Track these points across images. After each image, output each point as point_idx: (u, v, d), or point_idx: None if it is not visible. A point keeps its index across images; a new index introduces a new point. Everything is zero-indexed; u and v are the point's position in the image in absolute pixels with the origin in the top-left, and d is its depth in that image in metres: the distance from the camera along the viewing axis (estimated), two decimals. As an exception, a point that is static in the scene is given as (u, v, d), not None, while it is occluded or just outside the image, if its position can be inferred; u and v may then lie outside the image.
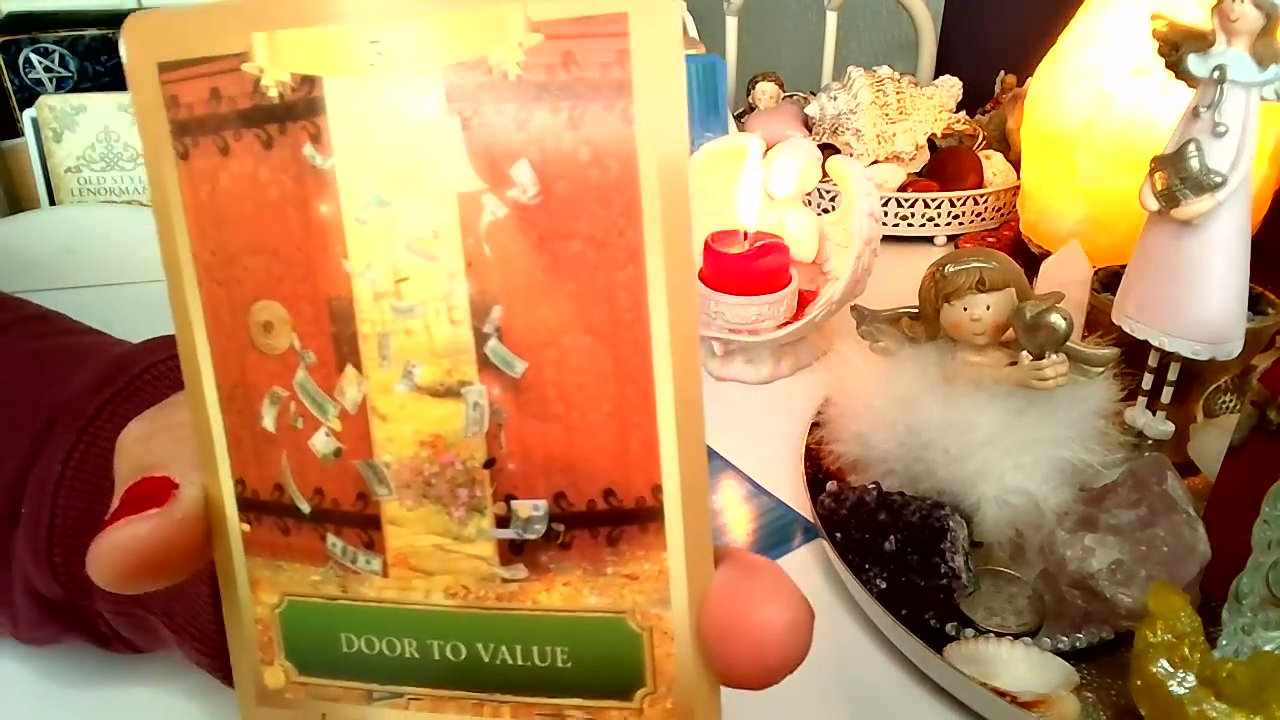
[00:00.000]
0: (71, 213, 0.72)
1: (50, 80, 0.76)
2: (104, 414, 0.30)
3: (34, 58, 0.75)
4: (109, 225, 0.71)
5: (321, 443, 0.18)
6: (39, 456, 0.30)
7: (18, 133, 0.74)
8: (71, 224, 0.71)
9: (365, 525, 0.18)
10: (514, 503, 0.17)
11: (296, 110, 0.16)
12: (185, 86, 0.17)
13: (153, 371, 0.31)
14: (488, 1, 0.15)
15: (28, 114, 0.72)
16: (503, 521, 0.17)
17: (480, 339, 0.16)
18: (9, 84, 0.76)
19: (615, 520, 0.17)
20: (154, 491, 0.19)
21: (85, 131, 0.72)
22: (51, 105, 0.71)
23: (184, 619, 0.29)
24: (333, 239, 0.17)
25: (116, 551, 0.18)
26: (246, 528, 0.19)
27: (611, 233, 0.15)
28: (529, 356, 0.16)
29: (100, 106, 0.72)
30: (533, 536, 0.17)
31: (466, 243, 0.16)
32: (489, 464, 0.17)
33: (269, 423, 0.18)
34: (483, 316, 0.16)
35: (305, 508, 0.18)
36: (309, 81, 0.16)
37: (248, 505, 0.19)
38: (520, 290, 0.16)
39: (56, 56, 0.76)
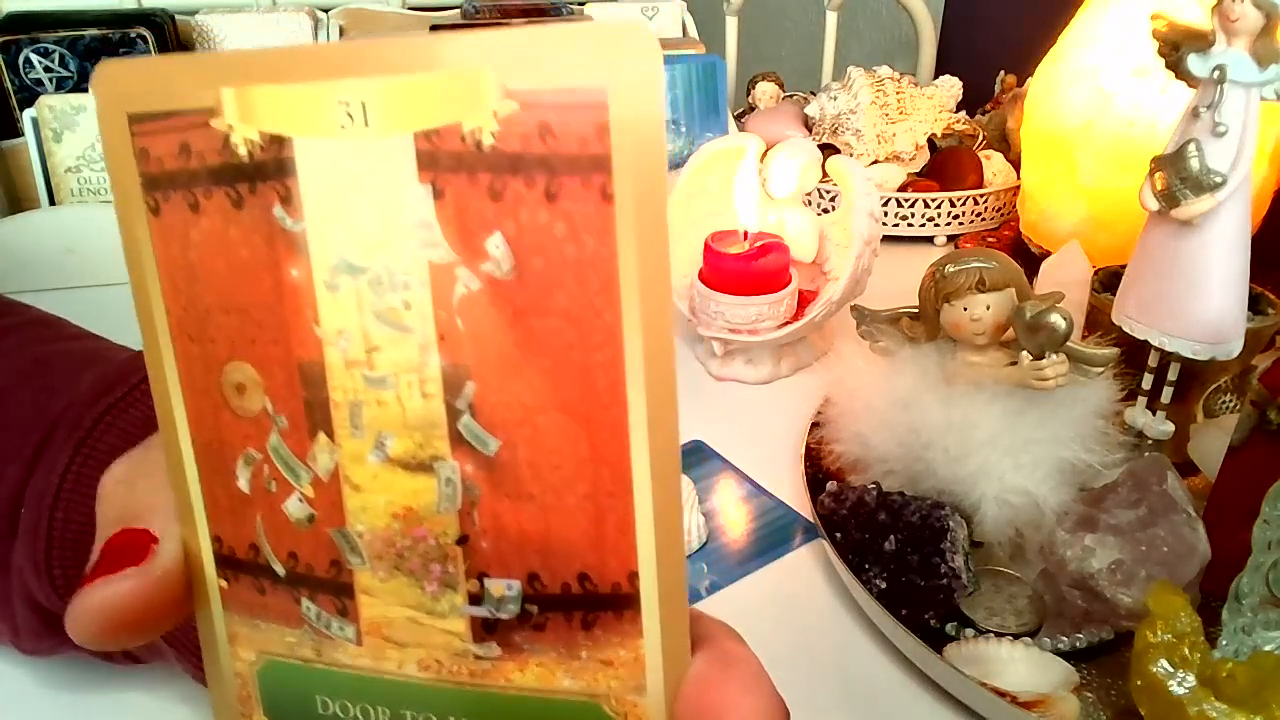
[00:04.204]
0: (71, 213, 0.72)
1: (50, 80, 0.76)
2: (101, 425, 0.30)
3: (34, 58, 0.75)
4: (109, 225, 0.71)
5: (295, 507, 0.17)
6: (37, 467, 0.30)
7: (18, 133, 0.74)
8: (71, 224, 0.71)
9: (339, 593, 0.18)
10: (487, 581, 0.17)
11: (266, 170, 0.16)
12: (156, 140, 0.16)
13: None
14: (461, 66, 0.14)
15: (28, 114, 0.72)
16: (476, 599, 0.17)
17: (453, 414, 0.16)
18: (9, 84, 0.76)
19: (590, 605, 0.16)
20: (132, 546, 0.18)
21: (85, 131, 0.72)
22: (51, 105, 0.71)
23: (182, 637, 0.29)
24: (304, 303, 0.16)
25: (96, 612, 0.18)
26: (224, 584, 0.18)
27: (588, 311, 0.15)
28: (502, 434, 0.16)
29: (100, 106, 0.72)
30: (506, 616, 0.17)
31: (439, 315, 0.15)
32: (462, 540, 0.16)
33: (244, 484, 0.18)
34: (455, 391, 0.16)
35: (280, 570, 0.18)
36: (278, 141, 0.15)
37: (225, 562, 0.18)
38: (494, 366, 0.15)
39: (56, 56, 0.76)
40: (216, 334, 0.17)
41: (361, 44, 0.15)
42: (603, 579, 0.16)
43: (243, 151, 0.16)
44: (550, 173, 0.14)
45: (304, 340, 0.16)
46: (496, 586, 0.17)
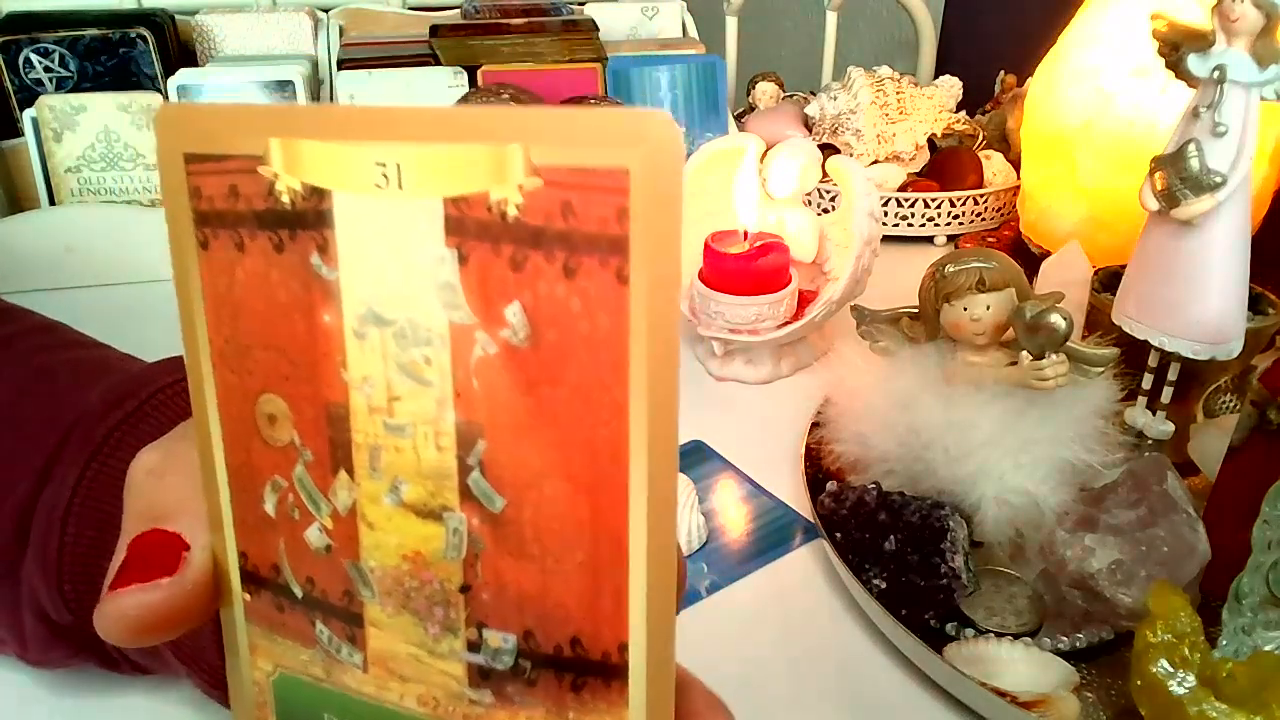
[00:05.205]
0: (71, 213, 0.72)
1: (50, 80, 0.76)
2: (112, 440, 0.30)
3: (34, 58, 0.75)
4: (109, 225, 0.71)
5: (315, 536, 0.18)
6: (48, 481, 0.30)
7: (18, 133, 0.74)
8: (71, 224, 0.71)
9: (350, 621, 0.19)
10: (485, 631, 0.17)
11: (306, 219, 0.17)
12: (208, 180, 0.17)
13: (161, 395, 0.31)
14: (490, 139, 0.15)
15: (28, 114, 0.72)
16: (474, 646, 0.18)
17: (464, 469, 0.17)
18: (9, 84, 0.76)
19: (580, 669, 0.17)
20: (164, 550, 0.19)
21: (85, 131, 0.72)
22: (51, 105, 0.71)
23: (191, 652, 0.29)
24: (334, 348, 0.17)
25: (128, 616, 0.18)
26: (248, 597, 0.20)
27: (597, 387, 0.15)
28: (509, 494, 0.16)
29: (100, 106, 0.72)
30: (500, 667, 0.17)
31: (457, 373, 0.16)
32: (464, 589, 0.17)
33: (269, 508, 0.19)
34: (468, 447, 0.16)
35: (298, 592, 0.19)
36: (319, 193, 0.16)
37: (249, 577, 0.19)
38: (505, 428, 0.16)
39: (56, 56, 0.76)
40: (254, 367, 0.18)
41: (400, 110, 0.16)
42: (594, 646, 0.17)
43: (286, 199, 0.17)
44: (570, 249, 0.15)
45: (332, 383, 0.17)
46: (494, 637, 0.17)
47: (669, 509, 0.16)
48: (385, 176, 0.16)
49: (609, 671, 0.17)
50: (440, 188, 0.15)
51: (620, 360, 0.15)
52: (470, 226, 0.15)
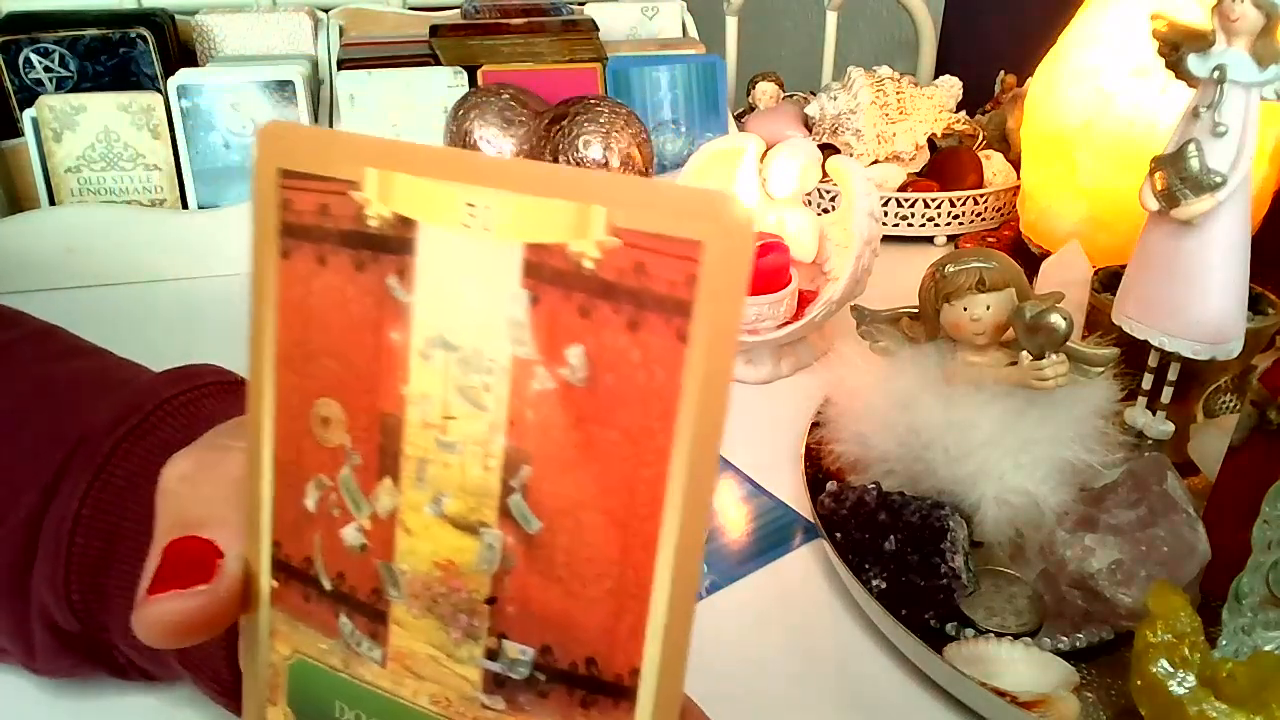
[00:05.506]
0: (71, 213, 0.72)
1: (50, 80, 0.76)
2: (118, 453, 0.30)
3: (34, 58, 0.75)
4: (109, 225, 0.71)
5: (351, 535, 0.19)
6: (55, 495, 0.30)
7: (18, 133, 0.74)
8: (71, 224, 0.71)
9: (374, 618, 0.20)
10: (505, 642, 0.18)
11: (390, 245, 0.18)
12: (300, 195, 0.19)
13: (166, 408, 0.31)
14: (577, 198, 0.16)
15: (28, 114, 0.72)
16: (493, 654, 0.19)
17: (506, 490, 0.18)
18: (9, 84, 0.76)
19: (591, 687, 0.18)
20: (198, 558, 0.20)
21: (85, 131, 0.72)
22: (51, 105, 0.71)
23: (198, 660, 0.30)
24: (398, 364, 0.18)
25: (165, 621, 0.19)
26: (275, 584, 0.21)
27: (645, 433, 0.16)
28: (546, 519, 0.17)
29: (100, 106, 0.72)
30: (516, 677, 0.18)
31: (513, 403, 0.17)
32: (490, 601, 0.18)
33: (311, 504, 0.20)
34: (513, 471, 0.18)
35: (327, 585, 0.20)
36: (406, 222, 0.17)
37: (279, 566, 0.20)
38: (552, 459, 0.17)
39: (56, 56, 0.76)
40: (317, 372, 0.19)
41: (496, 160, 0.17)
42: (608, 668, 0.18)
43: (374, 224, 0.18)
44: (637, 305, 0.16)
45: (390, 395, 0.18)
46: (512, 648, 0.18)
47: (696, 553, 0.16)
48: (473, 216, 0.17)
49: (619, 692, 0.17)
50: (524, 234, 0.16)
51: (670, 411, 0.16)
52: (546, 272, 0.16)
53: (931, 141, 0.84)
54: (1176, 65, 0.39)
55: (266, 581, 0.20)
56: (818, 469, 0.47)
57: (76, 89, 0.76)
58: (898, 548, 0.39)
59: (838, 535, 0.41)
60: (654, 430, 0.16)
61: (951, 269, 0.41)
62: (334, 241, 0.18)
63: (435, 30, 0.79)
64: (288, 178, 0.19)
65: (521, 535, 0.18)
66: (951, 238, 0.79)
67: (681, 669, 0.17)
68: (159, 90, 0.74)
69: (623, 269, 0.16)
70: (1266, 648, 0.33)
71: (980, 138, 0.87)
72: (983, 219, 0.79)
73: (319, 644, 0.20)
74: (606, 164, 0.65)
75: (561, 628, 0.18)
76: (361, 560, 0.19)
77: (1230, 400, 0.47)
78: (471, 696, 0.19)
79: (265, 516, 0.20)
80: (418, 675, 0.19)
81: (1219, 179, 0.37)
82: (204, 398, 0.32)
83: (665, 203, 0.15)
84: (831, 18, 0.98)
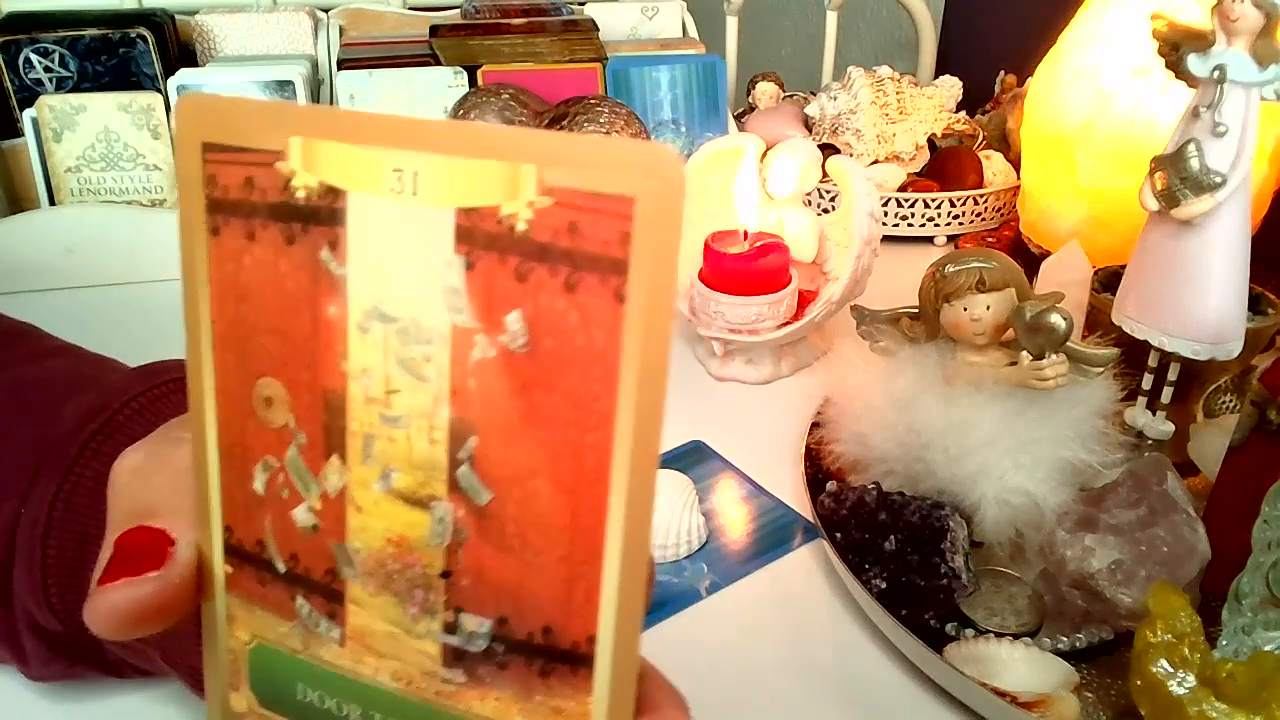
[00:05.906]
0: (71, 213, 0.72)
1: (50, 80, 0.76)
2: (87, 453, 0.30)
3: (34, 58, 0.75)
4: (109, 225, 0.71)
5: (302, 516, 0.19)
6: (29, 498, 0.30)
7: (18, 133, 0.74)
8: (71, 224, 0.71)
9: (331, 598, 0.19)
10: (462, 615, 0.18)
11: (320, 216, 0.17)
12: (225, 170, 0.18)
13: (133, 405, 0.31)
14: (507, 157, 0.15)
15: (28, 114, 0.71)
16: (450, 628, 0.18)
17: (454, 462, 0.17)
18: (9, 84, 0.76)
19: (549, 656, 0.18)
20: (149, 546, 0.20)
21: (85, 131, 0.72)
22: (51, 105, 0.71)
23: (176, 655, 0.30)
24: (336, 339, 0.18)
25: (116, 610, 0.19)
26: (230, 570, 0.20)
27: (588, 396, 0.16)
28: (496, 489, 0.17)
29: (100, 106, 0.72)
30: (474, 649, 0.18)
31: (455, 372, 0.17)
32: (445, 575, 0.18)
33: (259, 486, 0.19)
34: (459, 442, 0.17)
35: (281, 568, 0.20)
36: (334, 192, 0.17)
37: (233, 551, 0.20)
38: (497, 427, 0.17)
39: (56, 56, 0.76)
40: (256, 351, 0.19)
41: (421, 121, 0.16)
42: (564, 636, 0.17)
43: (301, 195, 0.17)
44: (572, 266, 0.16)
45: (331, 371, 0.18)
46: (470, 621, 0.18)
47: (646, 515, 0.16)
48: (401, 182, 0.16)
49: (576, 660, 0.17)
50: (454, 198, 0.16)
51: (611, 373, 0.16)
52: (479, 236, 0.16)
53: (931, 141, 0.84)
54: (1176, 65, 0.39)
55: (220, 568, 0.20)
56: (818, 469, 0.47)
57: (76, 89, 0.76)
58: (898, 548, 0.39)
59: (838, 535, 0.41)
60: (597, 394, 0.16)
61: (951, 269, 0.41)
62: (263, 215, 0.18)
63: (435, 30, 0.79)
64: (211, 151, 0.18)
65: (472, 507, 0.18)
66: (951, 238, 0.79)
67: (637, 634, 0.17)
68: (159, 90, 0.74)
69: (557, 229, 0.15)
70: (1266, 648, 0.33)
71: (980, 138, 0.87)
72: (983, 219, 0.79)
73: (278, 627, 0.20)
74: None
75: (517, 598, 0.18)
76: (314, 541, 0.19)
77: (1230, 400, 0.47)
78: (432, 671, 0.19)
79: (214, 502, 0.20)
80: (377, 653, 0.19)
81: (1219, 179, 0.37)
82: (170, 393, 0.32)
83: (595, 158, 0.15)
84: (831, 18, 0.98)
